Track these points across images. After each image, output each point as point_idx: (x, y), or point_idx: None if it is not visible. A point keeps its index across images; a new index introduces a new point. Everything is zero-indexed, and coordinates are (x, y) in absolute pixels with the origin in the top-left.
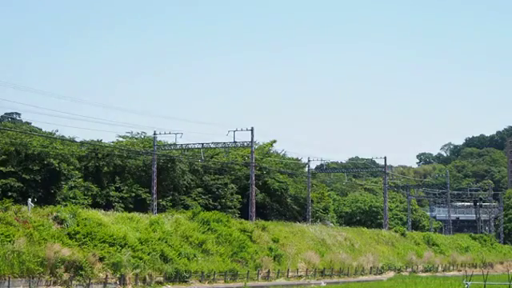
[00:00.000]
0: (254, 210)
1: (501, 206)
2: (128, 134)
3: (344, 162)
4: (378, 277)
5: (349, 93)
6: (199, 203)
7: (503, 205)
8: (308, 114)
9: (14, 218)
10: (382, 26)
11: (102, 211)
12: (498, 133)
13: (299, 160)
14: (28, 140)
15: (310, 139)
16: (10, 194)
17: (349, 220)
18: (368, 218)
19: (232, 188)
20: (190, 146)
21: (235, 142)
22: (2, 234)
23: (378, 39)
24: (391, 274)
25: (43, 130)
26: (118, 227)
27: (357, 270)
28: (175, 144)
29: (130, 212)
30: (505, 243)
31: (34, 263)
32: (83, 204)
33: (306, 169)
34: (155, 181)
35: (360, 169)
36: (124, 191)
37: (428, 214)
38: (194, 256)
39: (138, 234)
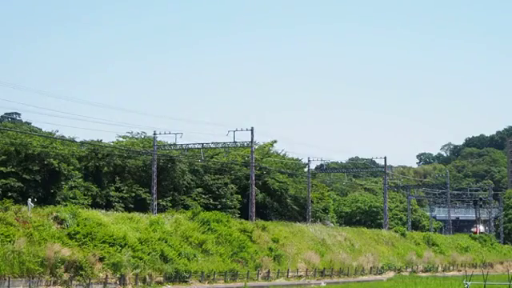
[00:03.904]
0: (253, 210)
1: (501, 206)
2: (128, 134)
3: (344, 162)
4: (378, 277)
5: (349, 93)
6: (199, 203)
7: (503, 205)
8: (308, 113)
9: (14, 218)
10: (382, 25)
11: (102, 211)
12: (498, 133)
13: (299, 160)
14: (28, 140)
15: (310, 139)
16: (10, 194)
17: (349, 220)
18: (368, 218)
19: (232, 188)
20: (190, 146)
21: (235, 142)
22: (2, 234)
23: (378, 39)
24: (391, 274)
25: (43, 129)
26: (118, 227)
27: (357, 270)
28: (175, 144)
29: (130, 212)
30: (505, 243)
31: (34, 263)
32: (83, 204)
33: (306, 169)
34: (155, 181)
35: (360, 169)
36: (124, 191)
37: (428, 213)
38: (194, 256)
39: (138, 233)
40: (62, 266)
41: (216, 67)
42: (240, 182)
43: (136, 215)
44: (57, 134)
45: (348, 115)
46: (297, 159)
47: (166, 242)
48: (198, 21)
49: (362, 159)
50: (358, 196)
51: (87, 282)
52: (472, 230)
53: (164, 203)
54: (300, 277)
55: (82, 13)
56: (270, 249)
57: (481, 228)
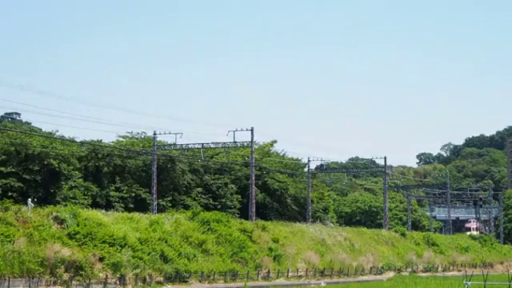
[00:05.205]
0: (253, 210)
1: (501, 206)
2: (128, 134)
3: (344, 162)
4: (378, 277)
5: (349, 93)
6: (199, 203)
7: (503, 205)
8: (308, 113)
9: (14, 218)
10: (383, 25)
11: (102, 211)
12: (498, 133)
13: (299, 160)
14: (28, 140)
15: (310, 139)
16: (10, 193)
17: (349, 220)
18: (368, 218)
19: (232, 188)
20: (190, 146)
21: (235, 142)
22: (2, 234)
23: (378, 39)
24: (391, 274)
25: (43, 129)
26: (118, 227)
27: (357, 270)
28: (175, 144)
29: (130, 212)
30: (505, 243)
31: (34, 263)
32: (83, 204)
33: (306, 169)
34: (155, 181)
35: (360, 169)
36: (124, 191)
37: (428, 213)
38: (194, 256)
39: (138, 233)
40: (62, 266)
41: (216, 67)
42: (240, 182)
43: (136, 215)
44: (57, 134)
45: (348, 115)
46: (297, 159)
47: (166, 242)
48: (197, 21)
49: (362, 159)
50: (358, 196)
51: (87, 281)
52: (467, 225)
53: (164, 203)
54: (300, 277)
55: (83, 13)
56: (270, 249)
57: (477, 224)
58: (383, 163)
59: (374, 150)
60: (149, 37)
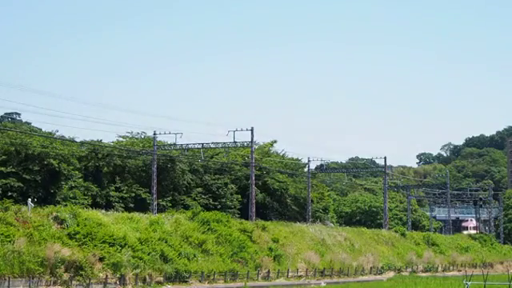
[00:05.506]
0: (253, 210)
1: (501, 206)
2: (128, 134)
3: (344, 162)
4: (378, 277)
5: (349, 93)
6: (199, 203)
7: (503, 205)
8: (308, 113)
9: (14, 218)
10: (382, 26)
11: (102, 211)
12: (498, 133)
13: (299, 160)
14: (28, 140)
15: (310, 139)
16: (10, 193)
17: (349, 220)
18: (368, 218)
19: (232, 188)
20: (190, 146)
21: (235, 142)
22: (2, 234)
23: (378, 39)
24: (391, 274)
25: (43, 129)
26: (118, 227)
27: (357, 270)
28: (175, 144)
29: (130, 212)
30: (505, 243)
31: (34, 263)
32: (83, 204)
33: (306, 169)
34: (155, 181)
35: (360, 169)
36: (124, 191)
37: (428, 213)
38: (194, 256)
39: (138, 233)
40: (62, 266)
41: (216, 67)
42: (240, 182)
43: (136, 215)
44: (57, 134)
45: (347, 115)
46: (297, 159)
47: (166, 242)
48: (197, 21)
49: (362, 159)
50: (358, 196)
51: (87, 282)
52: (464, 224)
53: (164, 203)
54: (300, 277)
55: (83, 13)
56: (270, 249)
57: (474, 223)
58: (383, 163)
59: (374, 150)
60: (149, 36)
